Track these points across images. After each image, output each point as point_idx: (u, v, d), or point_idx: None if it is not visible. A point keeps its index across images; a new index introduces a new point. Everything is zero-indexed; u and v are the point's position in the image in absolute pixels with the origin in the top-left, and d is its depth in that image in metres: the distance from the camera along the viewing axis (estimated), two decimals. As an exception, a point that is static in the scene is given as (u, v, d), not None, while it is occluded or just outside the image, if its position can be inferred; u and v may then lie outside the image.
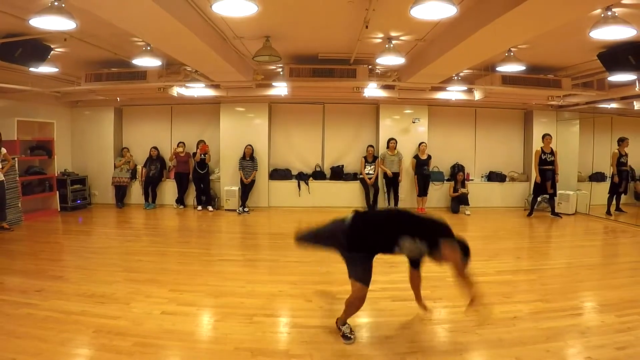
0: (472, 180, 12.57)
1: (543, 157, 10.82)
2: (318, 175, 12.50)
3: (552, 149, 10.92)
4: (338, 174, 12.43)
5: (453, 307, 4.70)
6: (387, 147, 11.67)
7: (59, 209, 11.19)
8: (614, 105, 11.04)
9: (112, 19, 5.33)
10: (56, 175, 11.22)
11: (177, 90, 10.61)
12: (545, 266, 6.78)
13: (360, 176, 11.96)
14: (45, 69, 8.33)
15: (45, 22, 5.27)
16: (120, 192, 12.21)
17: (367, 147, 11.85)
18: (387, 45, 7.32)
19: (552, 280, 5.90)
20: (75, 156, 12.58)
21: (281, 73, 9.59)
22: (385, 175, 11.62)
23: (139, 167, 12.38)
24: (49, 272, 5.99)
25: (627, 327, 4.24)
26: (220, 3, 4.75)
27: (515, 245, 8.24)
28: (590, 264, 6.84)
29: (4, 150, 8.52)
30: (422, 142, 11.86)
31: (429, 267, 6.39)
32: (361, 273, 3.85)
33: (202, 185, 11.79)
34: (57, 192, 11.20)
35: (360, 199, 12.04)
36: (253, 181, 11.69)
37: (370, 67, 9.10)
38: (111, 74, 9.20)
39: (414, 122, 12.26)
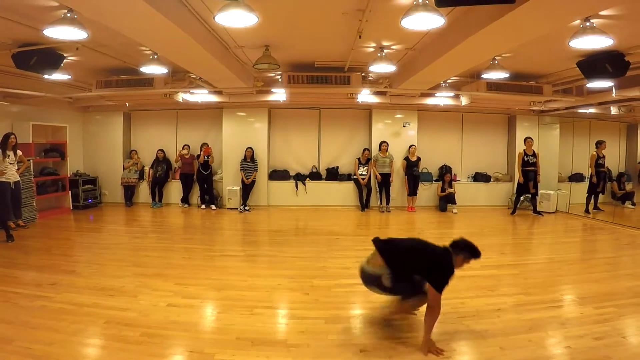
0: (458, 180, 12.60)
1: (525, 159, 10.84)
2: (314, 175, 12.48)
3: (534, 151, 10.94)
4: (333, 174, 12.43)
5: (442, 299, 4.69)
6: (379, 150, 11.65)
7: (71, 208, 11.17)
8: (592, 110, 11.08)
9: (122, 30, 5.33)
10: (69, 175, 11.18)
11: (182, 96, 10.59)
12: (528, 261, 6.79)
13: (354, 177, 11.95)
14: (58, 76, 8.32)
15: (59, 32, 5.29)
16: (129, 191, 12.19)
17: (363, 150, 11.84)
18: (379, 54, 7.33)
19: (534, 274, 5.92)
20: (86, 158, 12.56)
21: (280, 80, 9.59)
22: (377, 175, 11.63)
23: (147, 169, 12.37)
24: (62, 267, 5.99)
25: (604, 318, 4.27)
26: (222, 14, 4.74)
27: (500, 242, 8.24)
28: (570, 259, 6.85)
29: (19, 153, 8.48)
30: (412, 145, 11.86)
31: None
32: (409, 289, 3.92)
33: (205, 185, 11.78)
34: (70, 192, 11.18)
35: (354, 198, 12.05)
36: (253, 181, 11.68)
37: (363, 74, 9.10)
38: (120, 81, 9.21)
39: (404, 126, 12.26)
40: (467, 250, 3.92)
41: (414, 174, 11.65)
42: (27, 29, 5.91)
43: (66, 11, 5.12)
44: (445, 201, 11.67)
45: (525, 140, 11.09)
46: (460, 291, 5.08)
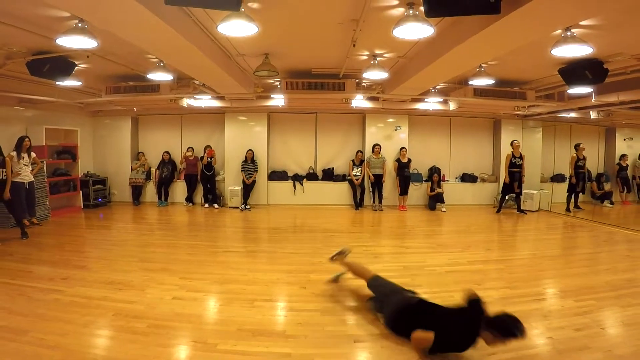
0: (447, 181, 12.59)
1: (513, 161, 10.86)
2: (311, 176, 12.48)
3: (520, 153, 10.97)
4: (329, 175, 12.44)
5: (432, 293, 4.70)
6: (372, 152, 11.65)
7: (82, 207, 11.14)
8: (572, 114, 11.07)
9: (130, 39, 5.33)
10: (80, 176, 11.17)
11: (186, 102, 10.57)
12: (512, 257, 6.80)
13: (349, 177, 11.96)
14: (70, 82, 8.29)
15: (70, 41, 5.28)
16: (137, 191, 12.18)
17: (357, 153, 11.86)
18: (372, 62, 7.34)
19: (518, 269, 5.93)
20: (96, 159, 12.54)
21: (279, 86, 9.58)
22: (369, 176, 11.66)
23: (153, 169, 12.34)
24: (73, 262, 5.98)
25: (584, 311, 4.29)
26: (224, 24, 4.74)
27: (486, 239, 8.25)
28: (552, 255, 6.86)
29: (33, 154, 8.50)
30: (403, 147, 11.87)
31: (409, 257, 6.35)
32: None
33: (208, 185, 11.75)
34: (81, 192, 11.16)
35: (349, 197, 12.07)
36: (254, 182, 11.68)
37: (357, 81, 9.11)
38: (128, 87, 9.19)
39: (396, 130, 12.27)
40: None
41: (405, 174, 11.66)
42: (40, 38, 5.90)
43: (77, 21, 5.12)
44: (435, 200, 11.67)
45: (512, 143, 11.13)
46: (449, 285, 5.09)
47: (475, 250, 7.02)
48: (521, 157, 10.94)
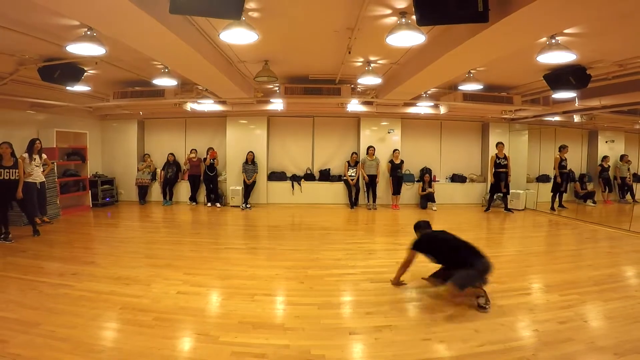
0: (438, 181, 12.60)
1: (497, 162, 10.90)
2: (309, 177, 12.48)
3: (505, 155, 10.99)
4: (325, 176, 12.44)
5: (425, 287, 4.72)
6: (367, 153, 11.67)
7: (91, 205, 11.13)
8: (557, 118, 11.11)
9: (136, 46, 5.32)
10: (89, 177, 11.14)
11: (190, 106, 10.58)
12: (500, 253, 6.76)
13: (344, 178, 11.96)
14: (79, 87, 8.29)
15: (80, 49, 5.28)
16: (143, 191, 12.16)
17: (352, 154, 11.86)
18: (366, 68, 7.34)
19: (506, 265, 5.91)
20: (104, 161, 12.53)
21: (278, 91, 9.57)
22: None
23: (158, 170, 12.34)
24: (82, 258, 5.97)
25: (568, 304, 4.29)
26: (226, 32, 4.74)
27: (475, 236, 8.23)
28: (537, 251, 6.87)
29: (44, 156, 8.49)
30: (396, 149, 11.89)
31: (402, 254, 6.36)
32: None
33: (211, 186, 11.75)
34: (90, 191, 11.14)
35: (344, 197, 12.06)
36: (254, 182, 11.68)
37: (352, 86, 9.11)
38: (135, 92, 9.17)
39: (389, 133, 12.29)
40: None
41: (397, 175, 11.68)
42: (51, 46, 5.89)
43: (86, 30, 5.11)
44: (426, 199, 11.69)
45: (496, 145, 11.15)
46: (440, 280, 5.09)
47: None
48: (506, 158, 10.97)
